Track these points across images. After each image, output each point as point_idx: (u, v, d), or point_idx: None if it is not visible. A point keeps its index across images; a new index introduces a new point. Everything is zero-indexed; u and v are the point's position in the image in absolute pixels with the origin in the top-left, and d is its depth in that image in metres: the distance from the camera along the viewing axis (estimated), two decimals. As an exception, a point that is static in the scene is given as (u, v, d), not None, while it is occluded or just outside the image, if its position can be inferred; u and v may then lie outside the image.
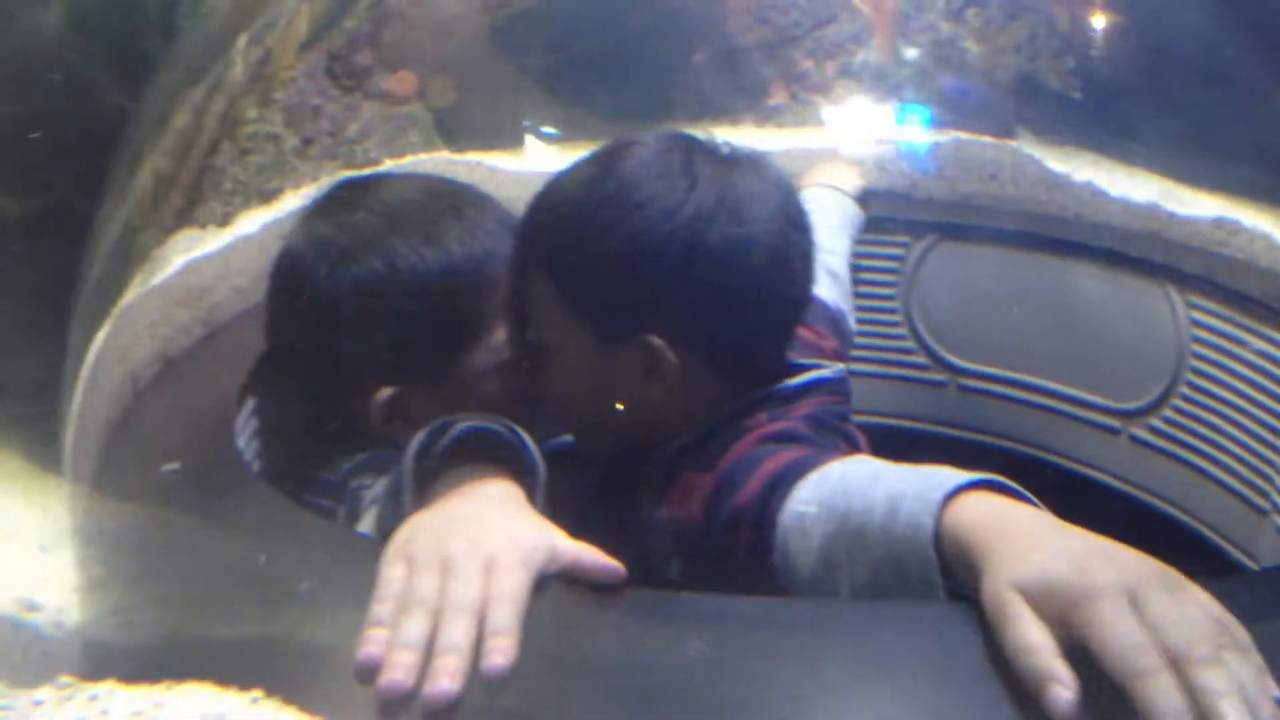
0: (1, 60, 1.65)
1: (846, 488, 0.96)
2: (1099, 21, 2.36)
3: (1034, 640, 0.77)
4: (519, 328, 1.31)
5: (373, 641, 0.83)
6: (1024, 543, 0.83)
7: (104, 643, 1.04)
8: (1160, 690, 0.71)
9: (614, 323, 1.22)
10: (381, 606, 0.85)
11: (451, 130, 2.07)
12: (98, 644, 1.06)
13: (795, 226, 1.25)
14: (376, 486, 1.21)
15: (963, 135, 2.27)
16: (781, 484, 1.02)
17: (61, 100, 1.68)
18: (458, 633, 0.82)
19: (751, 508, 1.03)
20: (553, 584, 0.90)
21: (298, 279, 1.36)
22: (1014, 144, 2.25)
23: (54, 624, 1.20)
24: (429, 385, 1.34)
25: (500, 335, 1.36)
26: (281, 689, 0.86)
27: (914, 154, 2.11)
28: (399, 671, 0.80)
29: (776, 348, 1.28)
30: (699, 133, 1.26)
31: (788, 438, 1.16)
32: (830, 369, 1.28)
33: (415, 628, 0.83)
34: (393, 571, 0.88)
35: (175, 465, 1.17)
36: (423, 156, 1.99)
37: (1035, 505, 0.89)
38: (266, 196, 1.79)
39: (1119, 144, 2.21)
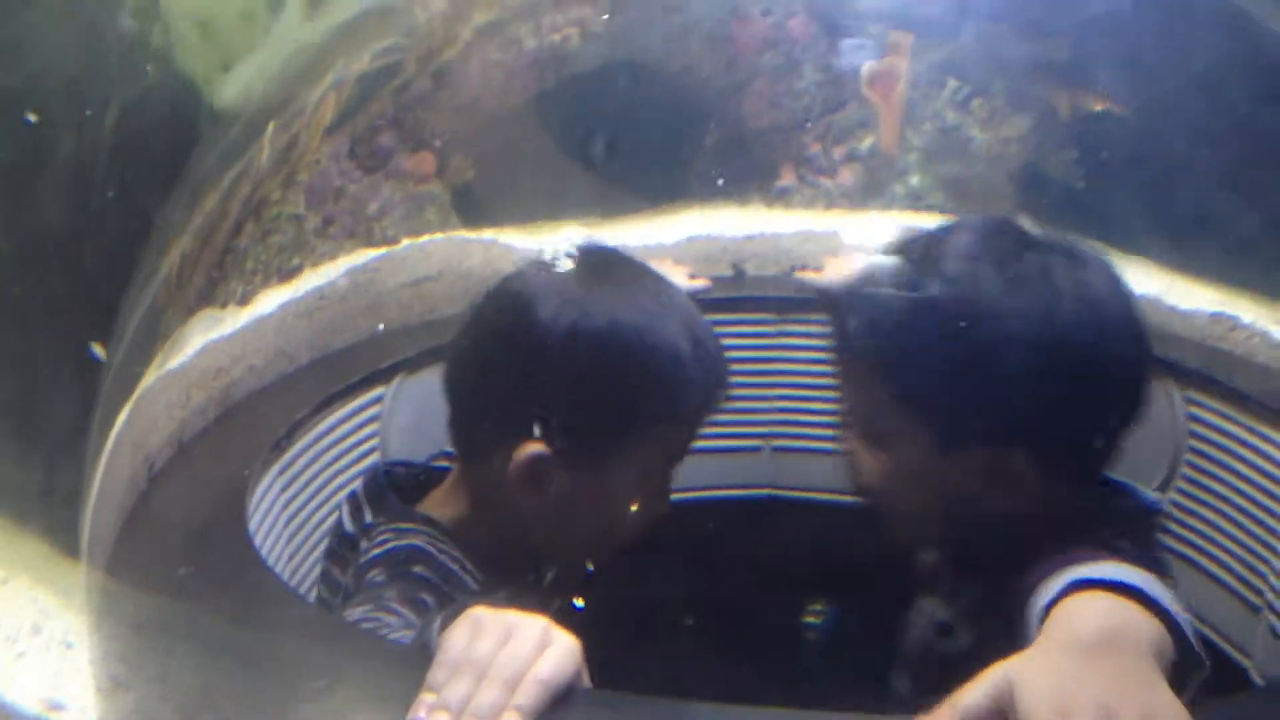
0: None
1: None
2: (1100, 111, 2.41)
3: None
4: (851, 418, 1.29)
5: (421, 705, 0.89)
6: (1050, 640, 0.89)
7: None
8: None
9: (962, 429, 1.21)
10: (438, 672, 0.92)
11: (468, 208, 2.11)
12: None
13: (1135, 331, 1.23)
14: (388, 593, 1.22)
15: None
16: None
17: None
18: (488, 697, 0.88)
19: None
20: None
21: (518, 307, 1.34)
22: (1017, 233, 2.30)
23: (77, 722, 1.21)
24: (579, 461, 1.31)
25: (657, 459, 1.35)
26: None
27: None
28: None
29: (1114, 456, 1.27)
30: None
31: None
32: None
33: (459, 690, 0.89)
34: (454, 637, 0.94)
35: (188, 569, 1.19)
36: (438, 235, 2.02)
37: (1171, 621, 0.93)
38: (286, 275, 1.82)
39: (1121, 235, 2.26)
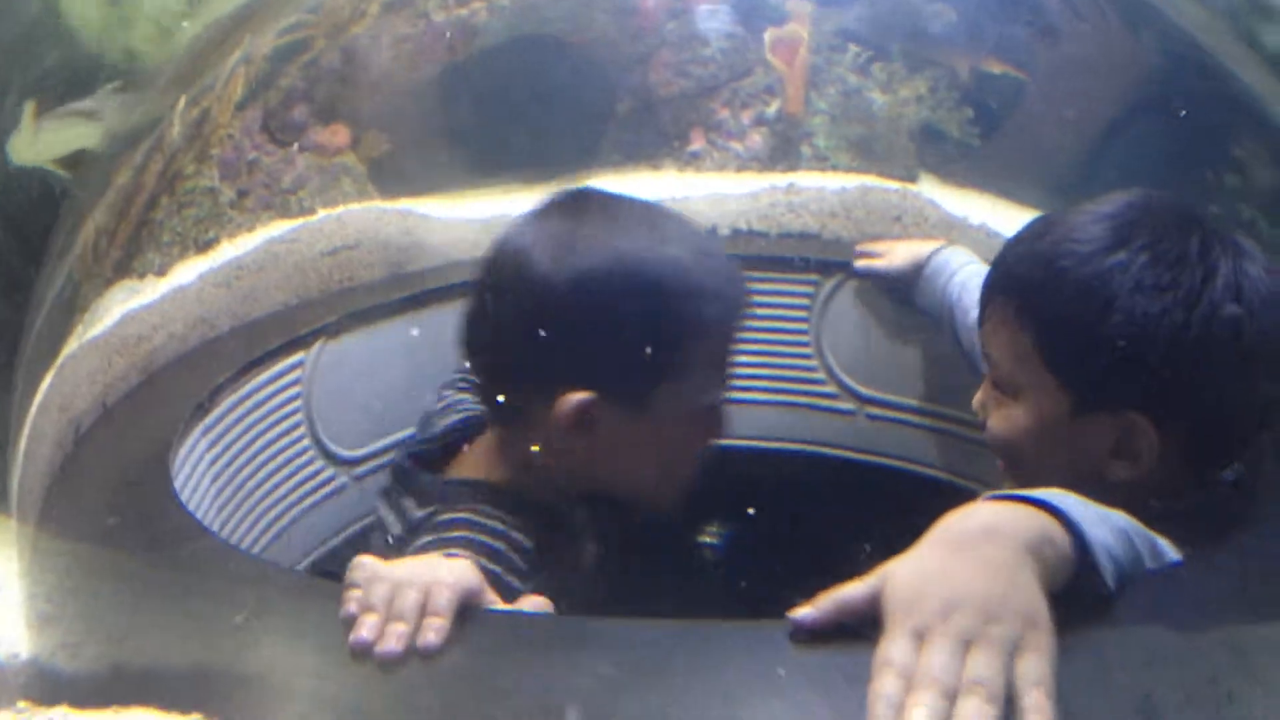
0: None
1: None
2: (1005, 74, 2.52)
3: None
4: (989, 364, 1.30)
5: (351, 600, 1.02)
6: (929, 537, 0.94)
7: (55, 672, 1.12)
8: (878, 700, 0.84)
9: (1095, 393, 1.22)
10: (357, 581, 1.04)
11: (384, 179, 2.16)
12: (50, 673, 1.14)
13: None
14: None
15: (869, 180, 2.42)
16: None
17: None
18: (410, 598, 1.00)
19: None
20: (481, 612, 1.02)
21: (513, 263, 1.31)
22: (915, 189, 2.40)
23: (10, 655, 1.26)
24: (624, 404, 1.29)
25: (704, 382, 1.33)
26: (219, 711, 0.95)
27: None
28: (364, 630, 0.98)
29: (1245, 447, 1.26)
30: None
31: None
32: None
33: (379, 592, 1.01)
34: (365, 560, 1.06)
35: (115, 520, 1.24)
36: (354, 206, 2.07)
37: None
38: (203, 246, 1.87)
39: (1014, 188, 2.36)
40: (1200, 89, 2.02)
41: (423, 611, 1.00)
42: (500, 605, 1.06)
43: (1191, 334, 1.18)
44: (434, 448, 1.48)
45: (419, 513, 1.37)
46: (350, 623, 1.00)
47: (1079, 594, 0.97)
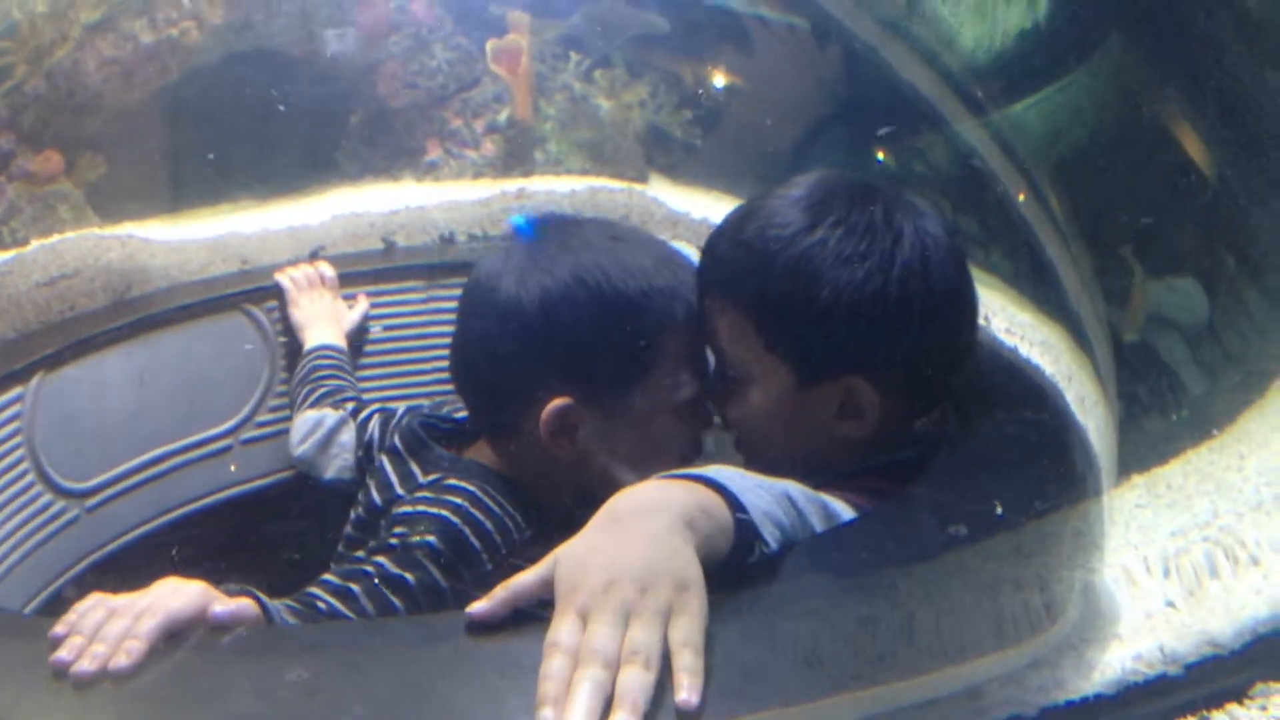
0: None
1: None
2: (718, 80, 2.68)
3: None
4: (717, 361, 1.36)
5: (61, 623, 1.07)
6: (594, 519, 1.01)
7: None
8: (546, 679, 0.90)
9: (816, 365, 1.29)
10: (73, 613, 1.09)
11: (103, 204, 2.12)
12: None
13: (966, 270, 1.34)
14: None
15: (596, 182, 2.54)
16: None
17: None
18: (117, 625, 1.05)
19: None
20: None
21: (484, 290, 1.39)
22: (641, 188, 2.54)
23: None
24: (603, 406, 1.37)
25: (679, 377, 1.40)
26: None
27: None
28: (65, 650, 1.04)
29: (946, 389, 1.37)
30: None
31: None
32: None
33: (91, 620, 1.07)
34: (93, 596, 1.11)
35: None
36: (70, 234, 2.03)
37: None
38: (-94, 285, 1.81)
39: (736, 183, 2.53)
40: (880, 88, 2.21)
41: (125, 636, 1.04)
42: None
43: (892, 295, 1.27)
44: (446, 427, 1.54)
45: (425, 479, 1.43)
46: (56, 644, 1.05)
47: (743, 555, 1.05)
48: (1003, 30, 2.11)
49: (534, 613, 1.01)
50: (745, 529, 1.06)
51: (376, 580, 1.26)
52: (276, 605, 1.17)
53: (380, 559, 1.31)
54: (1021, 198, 1.87)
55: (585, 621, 0.93)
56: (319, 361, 1.92)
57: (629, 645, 0.91)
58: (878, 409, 1.30)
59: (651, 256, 1.42)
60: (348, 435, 1.70)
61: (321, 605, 1.22)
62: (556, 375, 1.37)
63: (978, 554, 1.25)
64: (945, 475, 1.36)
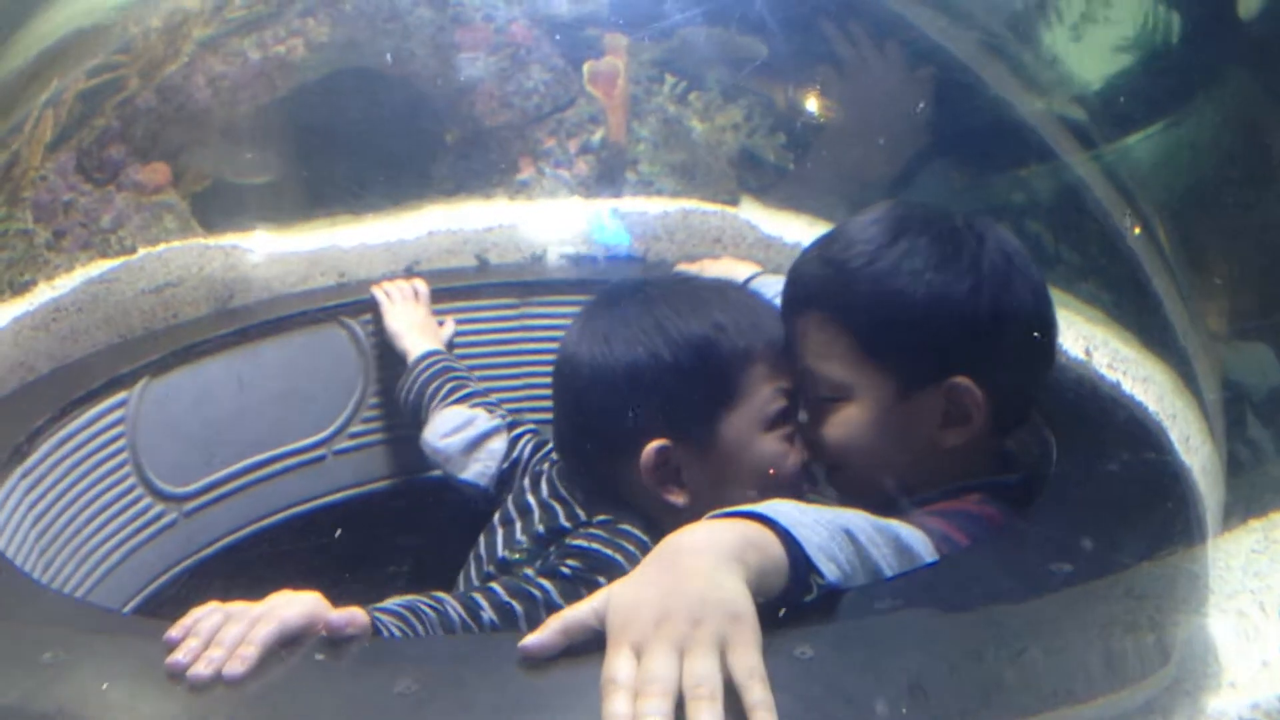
0: None
1: None
2: (813, 105, 2.67)
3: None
4: (808, 381, 1.39)
5: (177, 626, 1.09)
6: (646, 558, 1.01)
7: None
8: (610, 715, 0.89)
9: (919, 369, 1.31)
10: (191, 616, 1.11)
11: (208, 215, 2.17)
12: None
13: (1042, 274, 1.38)
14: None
15: (689, 204, 2.53)
16: None
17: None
18: (233, 630, 1.06)
19: None
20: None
21: (573, 363, 1.47)
22: (734, 211, 2.53)
23: None
24: (696, 442, 1.42)
25: (765, 404, 1.43)
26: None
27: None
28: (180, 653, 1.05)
29: (1036, 396, 1.39)
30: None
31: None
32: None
33: (209, 623, 1.08)
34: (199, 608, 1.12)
35: None
36: (175, 243, 2.08)
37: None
38: (19, 289, 1.86)
39: (828, 208, 2.51)
40: (982, 117, 2.18)
41: (239, 643, 1.05)
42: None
43: (986, 293, 1.29)
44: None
45: (594, 517, 1.48)
46: (172, 647, 1.06)
47: (800, 589, 1.05)
48: (1114, 62, 2.07)
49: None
50: (799, 563, 1.06)
51: (541, 606, 1.30)
52: (402, 605, 1.20)
53: (547, 583, 1.34)
54: (1137, 231, 1.83)
55: (639, 656, 0.93)
56: (445, 363, 1.95)
57: (690, 678, 0.91)
58: (984, 411, 1.30)
59: (716, 296, 1.48)
60: (499, 444, 1.72)
61: (485, 615, 1.27)
62: (649, 420, 1.41)
63: (1088, 593, 1.21)
64: (1051, 510, 1.33)
